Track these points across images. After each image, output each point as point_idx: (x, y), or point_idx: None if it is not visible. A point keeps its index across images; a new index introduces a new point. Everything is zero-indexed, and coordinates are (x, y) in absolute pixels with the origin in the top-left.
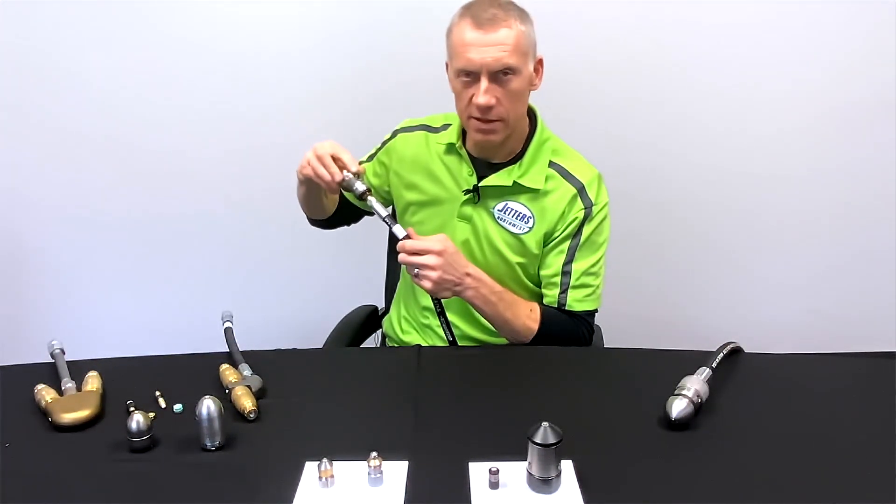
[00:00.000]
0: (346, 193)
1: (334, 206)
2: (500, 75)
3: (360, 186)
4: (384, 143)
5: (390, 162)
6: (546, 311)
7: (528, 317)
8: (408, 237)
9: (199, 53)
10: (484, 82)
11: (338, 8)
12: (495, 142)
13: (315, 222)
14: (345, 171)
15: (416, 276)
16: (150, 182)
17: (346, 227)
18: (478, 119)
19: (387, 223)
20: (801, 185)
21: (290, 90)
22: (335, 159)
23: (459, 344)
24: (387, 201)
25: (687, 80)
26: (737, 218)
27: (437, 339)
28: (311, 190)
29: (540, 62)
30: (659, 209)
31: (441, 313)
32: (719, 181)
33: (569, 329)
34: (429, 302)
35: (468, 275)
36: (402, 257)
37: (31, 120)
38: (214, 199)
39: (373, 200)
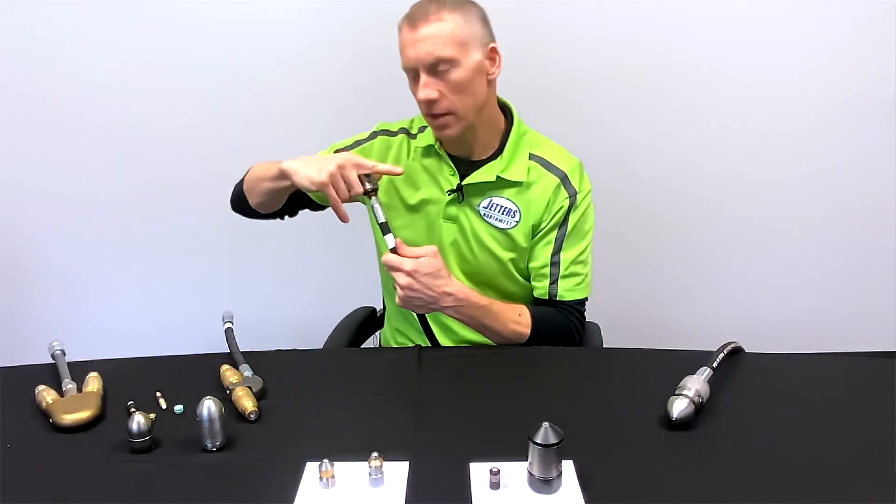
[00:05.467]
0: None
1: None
2: (437, 68)
3: (369, 184)
4: (359, 142)
5: None
6: (536, 313)
7: (517, 323)
8: (395, 249)
9: (198, 55)
10: (422, 77)
11: (333, 9)
12: (453, 136)
13: (244, 211)
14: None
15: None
16: (151, 182)
17: (281, 220)
18: (430, 115)
19: (381, 229)
20: (802, 184)
21: (290, 90)
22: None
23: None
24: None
25: (686, 80)
26: (737, 218)
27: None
28: (285, 189)
29: (493, 50)
30: (660, 210)
31: (423, 321)
32: (720, 181)
33: (561, 324)
34: None
35: (448, 294)
36: (385, 268)
37: (31, 120)
38: (215, 200)
39: (375, 203)
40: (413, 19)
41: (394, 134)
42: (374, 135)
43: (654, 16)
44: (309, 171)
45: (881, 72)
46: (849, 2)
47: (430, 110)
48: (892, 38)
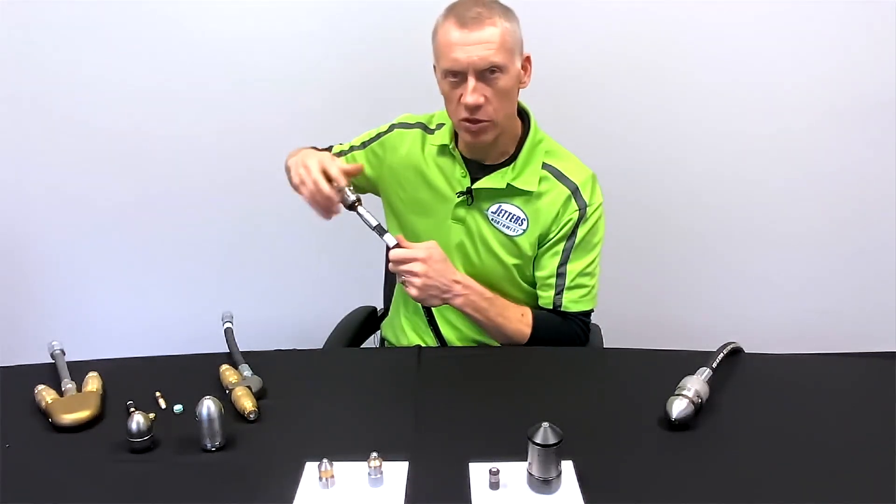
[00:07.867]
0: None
1: None
2: (487, 74)
3: (350, 196)
4: (379, 135)
5: (384, 155)
6: (538, 316)
7: (519, 321)
8: (398, 245)
9: (197, 56)
10: (471, 81)
11: (338, 16)
12: (486, 142)
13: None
14: (334, 183)
15: (404, 283)
16: (151, 182)
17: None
18: (467, 120)
19: (377, 233)
20: (802, 185)
21: (291, 88)
22: (323, 172)
23: (460, 345)
24: (373, 187)
25: (686, 80)
26: (737, 218)
27: (435, 343)
28: None
29: (528, 59)
30: (660, 210)
31: (431, 321)
32: (720, 182)
33: (563, 331)
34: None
35: (456, 282)
36: (390, 266)
37: (31, 119)
38: (215, 199)
39: (363, 211)
40: (463, 21)
41: (410, 127)
42: (391, 127)
43: (656, 21)
44: (291, 172)
45: (883, 75)
46: (851, 5)
47: (472, 115)
48: (893, 41)
